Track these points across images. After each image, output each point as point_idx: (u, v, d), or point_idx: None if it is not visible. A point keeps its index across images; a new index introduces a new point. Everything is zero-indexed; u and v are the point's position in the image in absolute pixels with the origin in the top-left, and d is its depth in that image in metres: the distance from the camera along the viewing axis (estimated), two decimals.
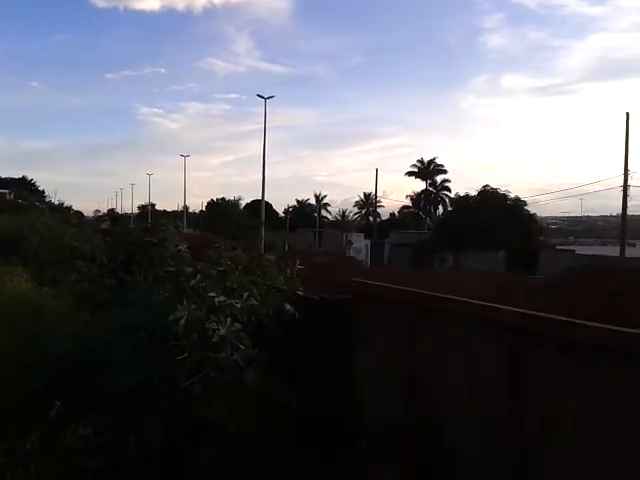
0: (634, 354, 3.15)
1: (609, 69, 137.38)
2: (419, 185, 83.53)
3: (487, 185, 50.29)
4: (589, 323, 3.43)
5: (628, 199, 39.30)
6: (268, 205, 62.93)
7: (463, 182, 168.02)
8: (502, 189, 49.44)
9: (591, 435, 3.42)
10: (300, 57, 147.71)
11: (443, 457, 4.70)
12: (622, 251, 38.00)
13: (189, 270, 5.86)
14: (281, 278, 6.67)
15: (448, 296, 4.86)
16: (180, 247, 6.88)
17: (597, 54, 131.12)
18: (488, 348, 4.28)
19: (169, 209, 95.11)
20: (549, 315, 3.78)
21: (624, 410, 3.24)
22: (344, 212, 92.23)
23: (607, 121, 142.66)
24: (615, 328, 3.27)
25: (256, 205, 58.60)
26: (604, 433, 3.34)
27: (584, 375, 3.48)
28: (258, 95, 50.40)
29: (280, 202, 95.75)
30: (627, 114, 39.16)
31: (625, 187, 39.05)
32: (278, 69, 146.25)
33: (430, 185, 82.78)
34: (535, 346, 3.87)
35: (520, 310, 4.07)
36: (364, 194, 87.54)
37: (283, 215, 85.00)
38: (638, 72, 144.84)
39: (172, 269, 6.04)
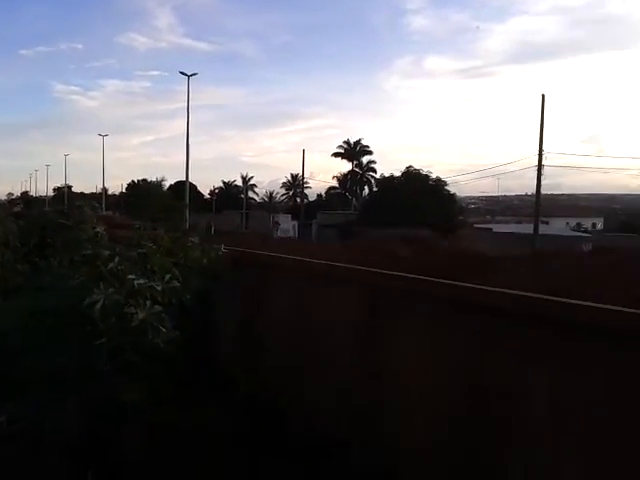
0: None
1: (527, 52, 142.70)
2: (345, 166, 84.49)
3: (410, 166, 51.74)
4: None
5: (542, 178, 41.32)
6: (193, 186, 61.81)
7: (388, 163, 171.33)
8: (424, 170, 50.96)
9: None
10: (226, 34, 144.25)
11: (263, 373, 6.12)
12: (536, 228, 40.01)
13: (107, 253, 5.75)
14: (205, 260, 6.67)
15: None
16: (98, 230, 6.68)
17: (516, 37, 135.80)
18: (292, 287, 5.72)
19: (87, 191, 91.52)
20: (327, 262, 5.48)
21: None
22: (271, 193, 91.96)
23: (524, 103, 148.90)
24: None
25: (180, 186, 57.42)
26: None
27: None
28: (181, 72, 49.32)
29: (205, 183, 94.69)
30: (543, 96, 40.98)
31: (540, 167, 40.98)
32: (202, 46, 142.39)
33: (356, 166, 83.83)
34: (312, 280, 5.37)
35: (314, 260, 5.67)
36: (291, 175, 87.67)
37: (209, 197, 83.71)
38: (554, 55, 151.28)
39: (89, 252, 5.90)
